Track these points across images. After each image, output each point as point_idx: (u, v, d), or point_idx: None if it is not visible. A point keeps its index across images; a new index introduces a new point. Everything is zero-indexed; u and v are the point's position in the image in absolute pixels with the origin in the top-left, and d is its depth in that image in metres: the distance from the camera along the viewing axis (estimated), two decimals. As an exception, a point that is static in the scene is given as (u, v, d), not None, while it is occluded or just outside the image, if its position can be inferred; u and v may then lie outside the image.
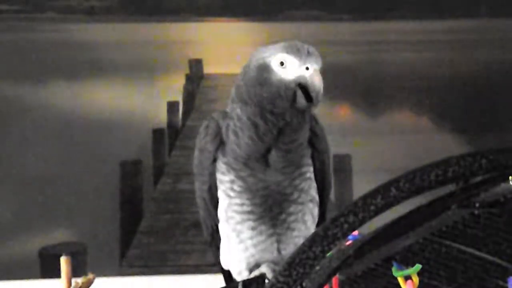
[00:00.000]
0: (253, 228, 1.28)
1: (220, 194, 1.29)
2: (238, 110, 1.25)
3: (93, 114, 4.66)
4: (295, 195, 1.28)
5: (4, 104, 4.49)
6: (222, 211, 1.30)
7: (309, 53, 1.20)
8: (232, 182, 1.27)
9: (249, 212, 1.27)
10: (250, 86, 1.23)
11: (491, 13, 4.58)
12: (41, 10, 4.61)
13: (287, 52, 1.20)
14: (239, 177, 1.26)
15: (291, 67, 1.20)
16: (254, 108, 1.23)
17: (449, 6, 4.62)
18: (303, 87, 1.19)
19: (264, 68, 1.22)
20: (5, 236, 4.53)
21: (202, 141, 1.30)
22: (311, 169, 1.30)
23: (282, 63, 1.20)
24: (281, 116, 1.21)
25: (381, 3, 4.63)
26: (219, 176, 1.28)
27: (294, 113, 1.21)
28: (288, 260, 0.74)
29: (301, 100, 1.19)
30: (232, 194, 1.27)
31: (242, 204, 1.27)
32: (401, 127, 4.62)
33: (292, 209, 1.28)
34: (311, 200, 1.31)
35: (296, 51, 1.20)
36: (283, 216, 1.28)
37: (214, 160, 1.28)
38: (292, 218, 1.29)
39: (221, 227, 1.32)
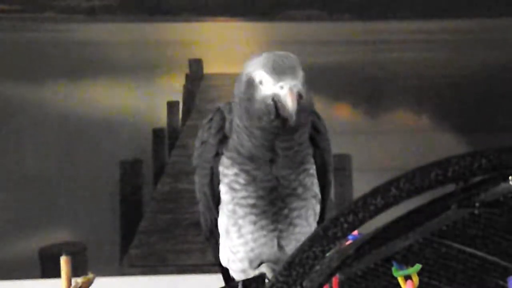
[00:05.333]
0: (254, 223, 1.28)
1: (223, 188, 1.29)
2: (236, 118, 1.26)
3: (93, 114, 4.67)
4: (299, 190, 1.28)
5: (3, 103, 4.49)
6: (224, 205, 1.30)
7: (283, 71, 1.19)
8: (236, 175, 1.27)
9: (252, 206, 1.27)
10: (240, 100, 1.25)
11: (491, 13, 4.58)
12: (41, 10, 4.61)
13: (264, 70, 1.20)
14: (244, 171, 1.26)
15: (267, 85, 1.20)
16: (246, 120, 1.24)
17: (449, 6, 4.62)
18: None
19: (250, 84, 1.23)
20: (5, 236, 4.53)
21: (205, 134, 1.30)
22: (314, 166, 1.31)
23: (261, 82, 1.21)
24: (269, 129, 1.22)
25: (381, 3, 4.63)
26: (222, 170, 1.28)
27: (279, 126, 1.21)
28: (288, 260, 0.74)
29: (283, 113, 1.20)
30: (237, 187, 1.27)
31: (246, 197, 1.27)
32: (401, 127, 4.62)
33: (295, 204, 1.28)
34: (314, 197, 1.31)
35: (271, 69, 1.20)
36: (286, 211, 1.28)
37: (216, 154, 1.28)
38: (295, 213, 1.29)
39: (221, 222, 1.32)
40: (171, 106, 7.46)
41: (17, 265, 4.31)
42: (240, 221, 1.29)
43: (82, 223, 4.81)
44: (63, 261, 1.24)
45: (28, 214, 4.57)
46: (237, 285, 1.20)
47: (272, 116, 1.20)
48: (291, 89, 1.18)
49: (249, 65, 1.24)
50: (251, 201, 1.27)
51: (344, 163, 6.57)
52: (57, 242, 4.77)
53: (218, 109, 1.31)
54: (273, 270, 1.28)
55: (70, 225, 4.80)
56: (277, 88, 1.19)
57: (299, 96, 1.19)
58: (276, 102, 1.19)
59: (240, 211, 1.28)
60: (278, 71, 1.19)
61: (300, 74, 1.21)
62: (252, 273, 1.30)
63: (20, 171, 4.54)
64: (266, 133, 1.22)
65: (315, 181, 1.31)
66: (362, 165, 4.73)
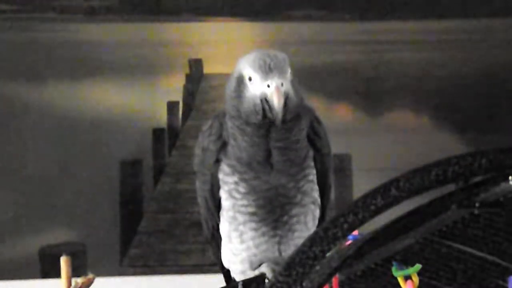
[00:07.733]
0: (255, 229, 1.28)
1: (223, 194, 1.29)
2: (227, 120, 1.26)
3: (93, 114, 4.67)
4: (298, 198, 1.28)
5: (4, 104, 4.49)
6: (224, 212, 1.30)
7: (270, 69, 1.20)
8: (236, 183, 1.27)
9: (253, 214, 1.27)
10: (230, 98, 1.25)
11: (491, 13, 4.58)
12: (41, 10, 4.61)
13: (252, 68, 1.22)
14: (243, 180, 1.26)
15: (255, 83, 1.21)
16: (236, 118, 1.25)
17: (449, 6, 4.62)
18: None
19: (240, 81, 1.24)
20: (5, 236, 4.53)
21: (206, 140, 1.30)
22: (314, 171, 1.30)
23: (250, 78, 1.22)
24: (258, 126, 1.22)
25: (381, 3, 4.64)
26: (222, 177, 1.28)
27: (266, 124, 1.22)
28: (288, 260, 0.74)
29: (269, 114, 1.20)
30: (237, 195, 1.27)
31: (246, 206, 1.27)
32: (401, 127, 4.62)
33: (294, 211, 1.28)
34: (313, 202, 1.31)
35: (258, 67, 1.21)
36: (285, 218, 1.28)
37: (217, 160, 1.28)
38: (294, 220, 1.29)
39: (222, 227, 1.32)
40: (171, 106, 7.45)
41: (17, 265, 4.31)
42: (241, 227, 1.29)
43: (82, 223, 4.82)
44: (63, 261, 1.23)
45: (28, 214, 4.57)
46: (237, 285, 1.20)
47: (260, 116, 1.20)
48: (277, 88, 1.19)
49: (239, 63, 1.25)
50: (251, 209, 1.27)
51: (344, 163, 6.57)
52: (57, 242, 4.77)
53: (217, 116, 1.31)
54: (273, 270, 1.28)
55: (70, 225, 4.80)
56: (265, 86, 1.20)
57: (286, 95, 1.20)
58: (263, 102, 1.20)
59: (241, 218, 1.28)
60: (266, 69, 1.20)
61: (288, 73, 1.22)
62: (252, 274, 1.30)
63: (20, 171, 4.54)
64: (256, 128, 1.22)
65: (315, 186, 1.31)
66: (362, 165, 4.73)
